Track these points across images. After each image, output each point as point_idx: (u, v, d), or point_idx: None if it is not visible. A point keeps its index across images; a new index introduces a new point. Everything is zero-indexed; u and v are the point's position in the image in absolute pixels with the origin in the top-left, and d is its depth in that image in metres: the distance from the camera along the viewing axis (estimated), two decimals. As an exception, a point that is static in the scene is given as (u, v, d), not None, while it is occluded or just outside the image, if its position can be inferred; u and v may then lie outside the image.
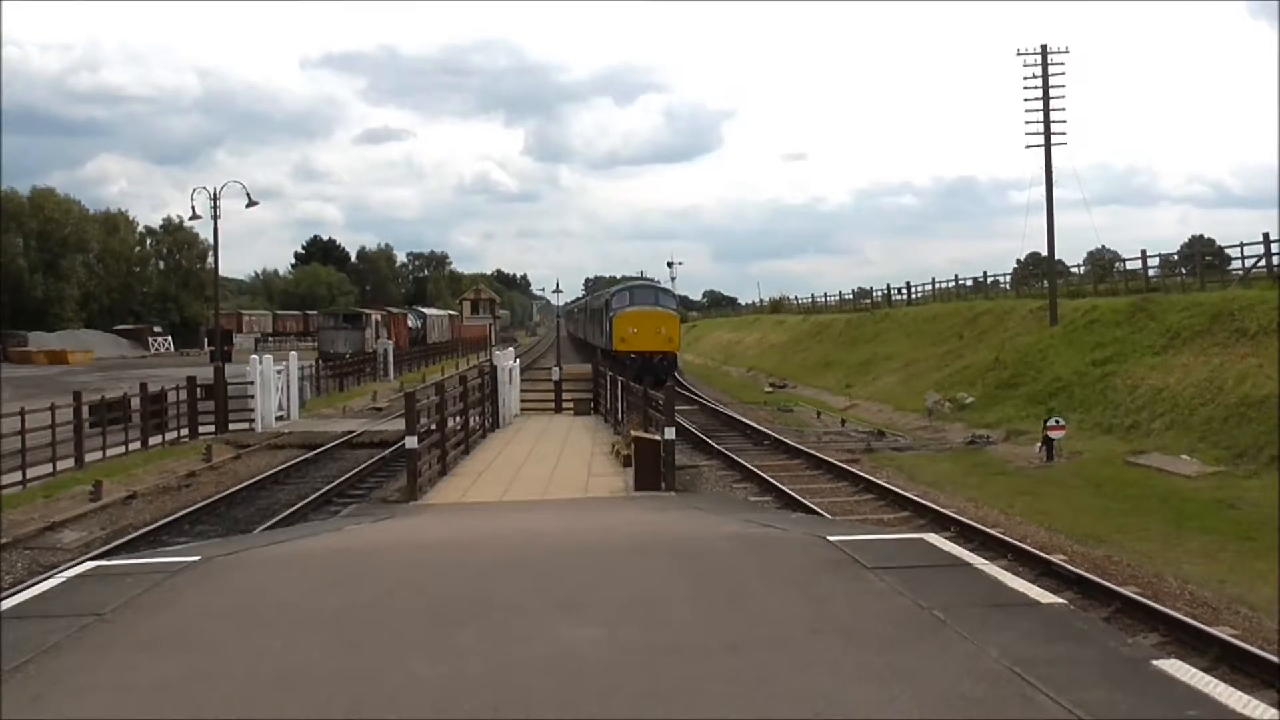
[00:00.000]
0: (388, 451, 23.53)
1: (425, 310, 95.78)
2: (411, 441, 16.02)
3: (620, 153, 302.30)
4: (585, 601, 6.98)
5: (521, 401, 30.61)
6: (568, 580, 7.75)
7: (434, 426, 18.44)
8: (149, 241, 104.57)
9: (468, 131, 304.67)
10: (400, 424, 18.71)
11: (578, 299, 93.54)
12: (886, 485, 19.20)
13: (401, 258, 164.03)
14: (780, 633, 6.07)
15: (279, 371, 31.60)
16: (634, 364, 39.12)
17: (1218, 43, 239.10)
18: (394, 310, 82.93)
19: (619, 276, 80.00)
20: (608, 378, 28.69)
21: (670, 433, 16.28)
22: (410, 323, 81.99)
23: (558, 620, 6.42)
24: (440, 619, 6.54)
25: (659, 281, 65.36)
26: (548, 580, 7.74)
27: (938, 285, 60.11)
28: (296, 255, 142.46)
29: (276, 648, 5.98)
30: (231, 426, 29.16)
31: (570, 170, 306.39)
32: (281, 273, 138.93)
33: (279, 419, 30.88)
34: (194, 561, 8.43)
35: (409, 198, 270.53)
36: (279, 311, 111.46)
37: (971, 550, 10.51)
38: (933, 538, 9.33)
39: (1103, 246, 65.53)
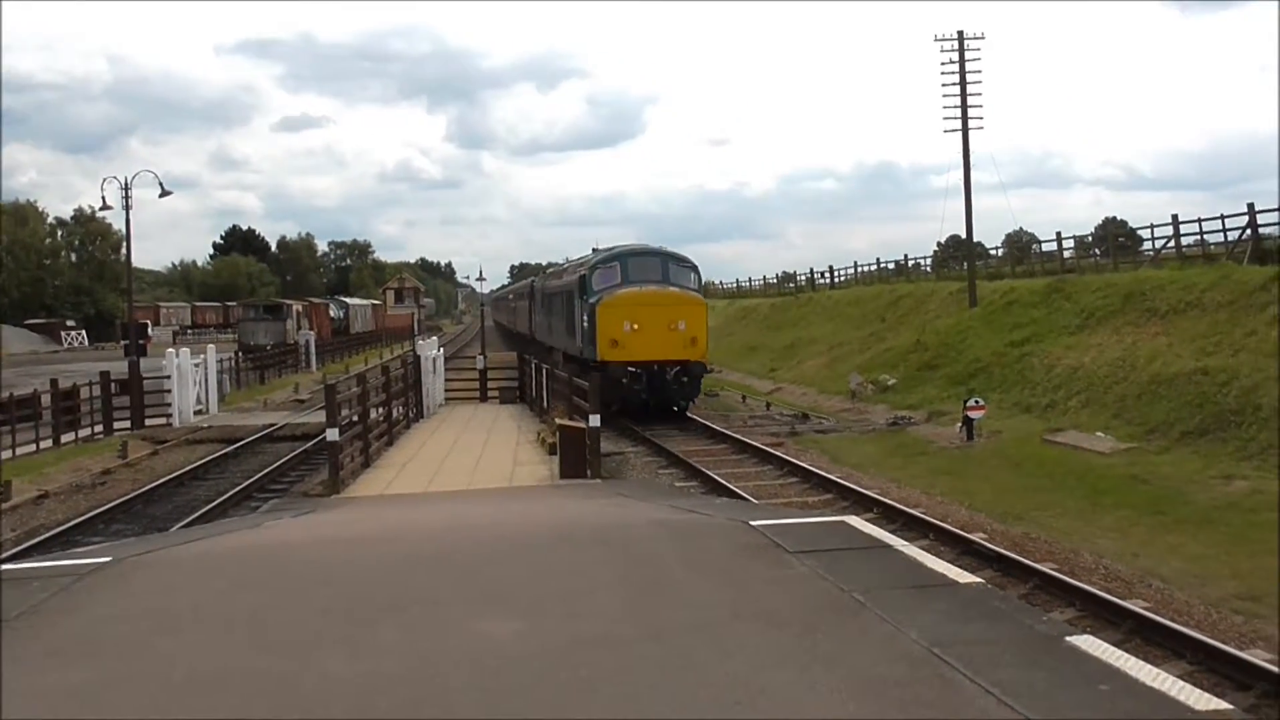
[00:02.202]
0: (310, 444, 23.23)
1: (348, 300, 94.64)
2: (333, 434, 15.85)
3: (543, 139, 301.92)
4: (507, 594, 6.93)
5: (446, 391, 30.36)
6: (489, 572, 7.68)
7: (356, 418, 18.22)
8: (60, 233, 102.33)
9: (389, 118, 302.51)
10: (323, 416, 18.42)
11: (505, 285, 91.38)
12: (810, 468, 19.36)
13: (323, 247, 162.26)
14: (702, 619, 6.07)
15: (196, 365, 31.01)
16: (634, 382, 26.11)
17: (1129, 28, 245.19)
18: (316, 300, 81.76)
19: (544, 264, 77.51)
20: (532, 365, 28.37)
21: (595, 420, 16.25)
22: (332, 313, 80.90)
23: (479, 613, 6.36)
24: (358, 616, 6.43)
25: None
26: (469, 573, 7.67)
27: (860, 269, 60.94)
28: (215, 245, 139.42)
29: (190, 650, 5.83)
30: (148, 422, 28.58)
31: (493, 157, 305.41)
32: (200, 264, 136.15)
33: (198, 413, 30.33)
34: (105, 563, 8.20)
35: (330, 186, 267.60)
36: (198, 303, 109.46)
37: (893, 532, 10.65)
38: (855, 520, 9.41)
39: (1020, 229, 67.10)
